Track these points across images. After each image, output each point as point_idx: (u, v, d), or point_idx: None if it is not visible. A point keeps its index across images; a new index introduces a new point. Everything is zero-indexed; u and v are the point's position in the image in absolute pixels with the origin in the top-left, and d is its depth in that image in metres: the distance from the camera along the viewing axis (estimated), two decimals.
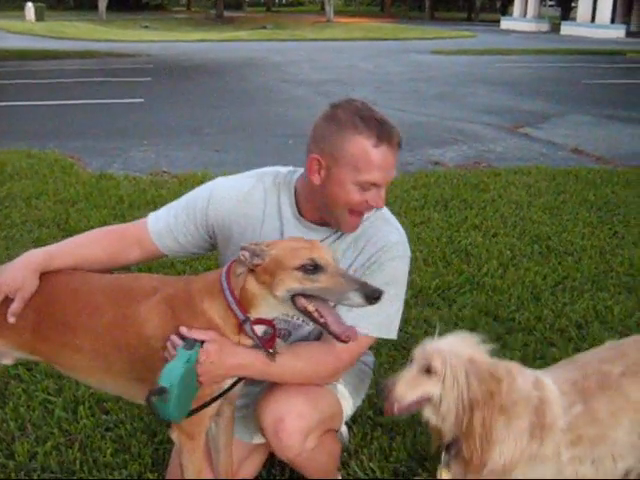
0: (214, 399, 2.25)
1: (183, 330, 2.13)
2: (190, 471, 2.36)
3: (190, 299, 2.20)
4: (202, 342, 2.11)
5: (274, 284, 2.06)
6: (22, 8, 48.51)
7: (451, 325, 4.12)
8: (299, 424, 2.30)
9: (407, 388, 2.26)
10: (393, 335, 2.51)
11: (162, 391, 2.00)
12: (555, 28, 41.80)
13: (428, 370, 2.26)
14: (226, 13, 57.20)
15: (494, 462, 2.31)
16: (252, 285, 2.10)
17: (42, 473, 2.87)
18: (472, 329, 4.00)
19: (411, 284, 4.63)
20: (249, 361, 2.19)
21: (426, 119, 11.93)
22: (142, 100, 13.77)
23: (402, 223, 5.90)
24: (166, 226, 2.52)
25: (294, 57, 23.67)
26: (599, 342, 3.85)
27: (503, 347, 3.90)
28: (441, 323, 4.13)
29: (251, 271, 2.09)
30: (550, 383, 2.44)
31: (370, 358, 2.85)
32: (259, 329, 2.18)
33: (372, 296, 1.98)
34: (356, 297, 1.98)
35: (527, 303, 4.47)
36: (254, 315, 2.14)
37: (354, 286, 1.99)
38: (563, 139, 10.37)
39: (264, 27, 39.65)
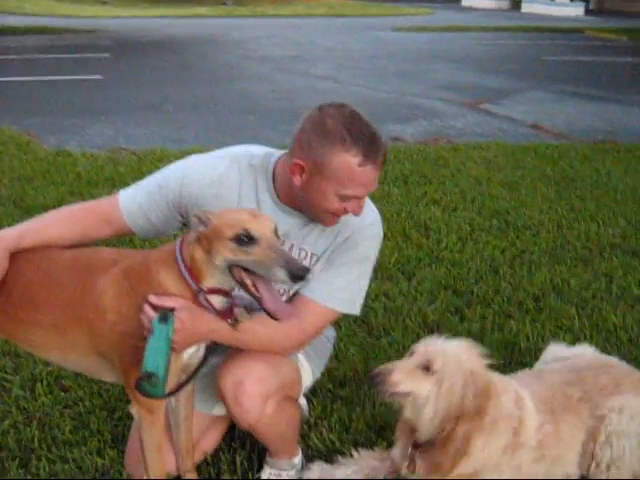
0: (193, 374, 2.27)
1: (152, 298, 2.12)
2: (149, 445, 2.36)
3: (147, 271, 2.19)
4: (172, 309, 2.10)
5: (212, 253, 2.06)
6: None
7: (410, 298, 4.16)
8: (259, 388, 2.32)
9: (403, 377, 2.29)
10: (357, 311, 2.54)
11: (150, 376, 2.01)
12: (515, 6, 41.76)
13: (427, 368, 2.29)
14: None
15: (463, 468, 2.39)
16: (198, 254, 2.10)
17: (0, 452, 2.84)
18: (431, 302, 4.08)
19: None
20: (219, 325, 2.20)
21: (387, 95, 11.92)
22: (100, 77, 13.54)
23: None
24: (138, 206, 2.48)
25: (255, 34, 23.43)
26: (556, 314, 3.95)
27: (462, 319, 3.94)
28: (400, 296, 4.17)
29: (198, 239, 2.09)
30: (528, 402, 2.53)
31: (331, 332, 2.86)
32: (217, 299, 2.18)
33: (297, 274, 1.97)
34: (281, 273, 1.97)
35: (485, 276, 4.51)
36: (206, 285, 2.13)
37: (280, 262, 1.98)
38: (522, 115, 10.44)
39: (224, 3, 39.10)
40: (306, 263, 2.43)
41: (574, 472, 2.62)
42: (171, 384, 2.26)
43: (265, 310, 2.08)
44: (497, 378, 2.44)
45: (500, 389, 2.41)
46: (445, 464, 2.35)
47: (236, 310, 2.23)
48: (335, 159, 2.18)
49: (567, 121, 10.10)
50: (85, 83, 12.83)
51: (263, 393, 2.34)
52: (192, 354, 2.29)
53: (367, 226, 2.47)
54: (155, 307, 2.10)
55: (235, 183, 2.43)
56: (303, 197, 2.32)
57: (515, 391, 2.50)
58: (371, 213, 2.50)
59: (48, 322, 2.32)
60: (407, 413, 2.40)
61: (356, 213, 2.32)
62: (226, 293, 2.18)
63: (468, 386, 2.28)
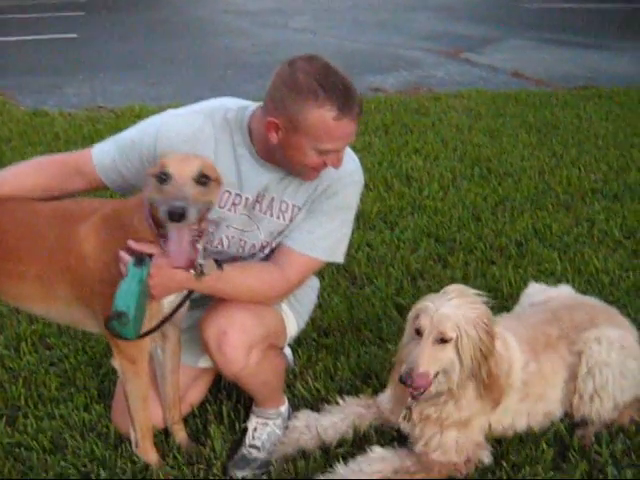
0: (165, 320, 2.25)
1: (131, 243, 2.11)
2: (134, 397, 2.37)
3: (123, 217, 2.19)
4: (151, 256, 2.10)
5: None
6: None
7: (393, 247, 4.16)
8: (242, 337, 2.32)
9: (428, 365, 2.28)
10: (340, 259, 2.53)
11: (120, 315, 2.00)
12: None
13: (442, 339, 2.28)
14: None
15: (455, 414, 2.43)
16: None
17: None
18: (414, 250, 4.09)
19: None
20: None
21: (366, 46, 11.80)
22: (75, 35, 13.31)
23: None
24: (111, 161, 2.43)
25: None
26: (538, 258, 3.97)
27: (445, 267, 3.96)
28: (383, 246, 4.17)
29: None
30: (514, 343, 2.57)
31: (315, 282, 2.86)
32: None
33: (172, 211, 1.91)
34: (162, 210, 1.94)
35: (468, 224, 4.52)
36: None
37: (168, 200, 1.94)
38: (503, 63, 10.38)
39: None
40: (288, 215, 2.43)
41: (556, 409, 2.67)
42: (151, 339, 2.29)
43: (164, 250, 2.06)
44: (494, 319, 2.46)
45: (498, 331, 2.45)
46: (498, 398, 2.41)
47: (200, 261, 2.15)
48: (310, 115, 2.14)
49: (548, 68, 10.04)
50: (60, 42, 12.60)
51: (247, 342, 2.34)
52: (173, 302, 2.28)
53: (347, 175, 2.44)
54: (133, 252, 2.09)
55: (210, 139, 2.38)
56: (281, 153, 2.29)
57: (501, 334, 2.52)
58: (351, 162, 2.47)
59: (32, 273, 2.32)
60: (438, 388, 2.41)
61: (336, 166, 2.30)
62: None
63: (482, 331, 2.30)
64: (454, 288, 2.40)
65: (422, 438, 2.46)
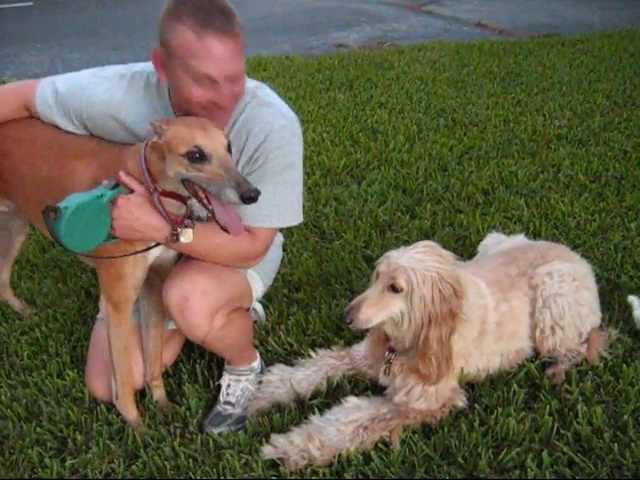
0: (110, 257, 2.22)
1: (121, 174, 2.12)
2: (116, 346, 2.39)
3: (120, 160, 2.18)
4: (131, 192, 2.11)
5: (166, 164, 2.04)
6: None
7: (360, 201, 4.16)
8: (204, 302, 2.28)
9: (372, 310, 2.28)
10: (298, 220, 2.47)
11: (56, 210, 1.99)
12: None
13: (393, 287, 2.28)
14: None
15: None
16: (154, 160, 2.08)
17: None
18: (381, 203, 4.09)
19: (319, 165, 4.64)
20: (164, 225, 2.16)
21: (328, 3, 11.68)
22: (31, 3, 13.01)
23: (307, 106, 5.91)
24: (47, 108, 2.42)
25: None
26: (505, 205, 4.00)
27: (412, 217, 3.97)
28: (351, 200, 4.17)
29: (153, 147, 2.07)
30: (485, 287, 2.59)
31: (279, 238, 2.85)
32: (172, 203, 2.15)
33: (248, 196, 1.92)
34: (232, 195, 1.93)
35: (434, 174, 4.53)
36: (162, 187, 2.11)
37: (231, 183, 1.94)
38: (466, 14, 10.35)
39: None
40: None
41: (527, 345, 2.73)
42: (136, 282, 2.29)
43: (218, 223, 2.05)
44: (461, 274, 2.43)
45: (466, 285, 2.42)
46: (431, 375, 2.38)
47: (186, 221, 2.17)
48: (173, 34, 2.05)
49: (511, 18, 10.04)
50: (15, 10, 12.33)
51: (210, 307, 2.30)
52: (160, 255, 2.28)
53: (276, 132, 2.32)
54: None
55: (135, 105, 2.34)
56: (174, 96, 2.22)
57: (473, 281, 2.54)
58: (279, 116, 2.35)
59: (34, 196, 2.39)
60: (388, 331, 2.43)
61: (222, 104, 2.13)
62: (181, 199, 2.15)
63: (435, 291, 2.28)
64: (425, 243, 2.39)
65: (403, 389, 2.48)
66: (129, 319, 2.36)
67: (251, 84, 2.33)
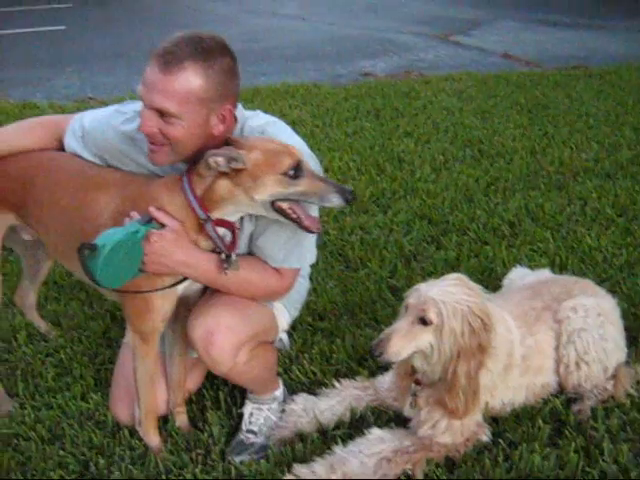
0: (139, 292, 2.23)
1: (152, 209, 2.12)
2: (142, 375, 2.39)
3: (149, 195, 2.19)
4: (163, 226, 2.12)
5: (255, 187, 2.06)
6: None
7: (386, 230, 4.16)
8: (229, 338, 2.28)
9: (402, 343, 2.26)
10: (314, 258, 2.51)
11: (93, 247, 1.99)
12: None
13: (423, 320, 2.27)
14: None
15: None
16: (223, 187, 2.09)
17: None
18: (407, 233, 4.09)
19: None
20: (197, 262, 2.19)
21: (356, 31, 11.76)
22: (64, 27, 13.24)
23: (334, 134, 5.92)
24: (73, 141, 2.49)
25: None
26: (531, 238, 3.98)
27: (438, 248, 3.96)
28: (376, 229, 4.18)
29: (223, 174, 2.07)
30: (511, 321, 2.58)
31: (307, 269, 2.84)
32: (219, 231, 2.18)
33: (349, 198, 2.04)
34: (336, 198, 2.04)
35: (460, 205, 4.52)
36: (215, 216, 2.14)
37: (332, 189, 2.04)
38: (493, 45, 10.37)
39: None
40: (245, 242, 2.38)
41: (552, 379, 2.70)
42: (165, 314, 2.29)
43: (304, 228, 2.14)
44: (490, 307, 2.42)
45: (495, 319, 2.41)
46: (458, 409, 2.35)
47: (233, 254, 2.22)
48: None
49: (538, 49, 10.04)
50: (49, 34, 12.54)
51: (234, 343, 2.30)
52: (187, 286, 2.29)
53: None
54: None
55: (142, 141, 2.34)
56: None
57: (501, 314, 2.53)
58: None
59: (49, 225, 2.42)
60: (416, 364, 2.42)
61: (145, 131, 2.11)
62: (230, 225, 2.19)
63: (465, 325, 2.27)
64: (455, 276, 2.39)
65: (428, 422, 2.45)
66: (156, 350, 2.37)
67: (261, 120, 2.32)
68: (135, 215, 2.13)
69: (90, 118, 2.50)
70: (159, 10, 15.41)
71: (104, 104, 7.23)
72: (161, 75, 2.03)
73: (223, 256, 2.20)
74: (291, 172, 2.05)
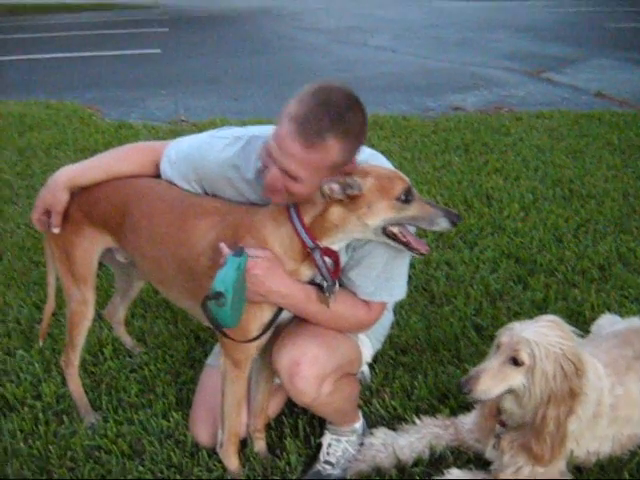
0: (265, 329, 2.27)
1: (243, 241, 2.17)
2: (230, 399, 2.41)
3: (252, 224, 2.22)
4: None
5: (369, 213, 2.09)
6: None
7: (472, 267, 4.11)
8: (314, 369, 2.28)
9: (492, 382, 2.24)
10: (404, 293, 2.47)
11: (218, 295, 1.99)
12: None
13: (515, 360, 2.24)
14: None
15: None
16: (337, 214, 2.12)
17: (69, 415, 2.91)
18: (493, 271, 4.03)
19: None
20: (290, 291, 2.20)
21: (447, 65, 11.74)
22: (159, 51, 13.66)
23: (422, 167, 5.91)
24: (168, 168, 2.55)
25: (312, 5, 23.34)
26: (622, 283, 3.86)
27: (525, 288, 3.89)
28: (462, 265, 4.13)
29: (336, 201, 2.09)
30: (601, 368, 2.50)
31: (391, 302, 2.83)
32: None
33: (456, 220, 2.10)
34: (444, 222, 2.09)
35: (549, 245, 4.42)
36: (323, 244, 2.16)
37: (441, 213, 2.09)
38: (586, 83, 10.17)
39: None
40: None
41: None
42: (261, 342, 2.31)
43: (414, 250, 2.17)
44: (583, 353, 2.37)
45: (588, 365, 2.35)
46: (544, 455, 2.30)
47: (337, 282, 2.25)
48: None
49: (632, 88, 9.79)
50: (145, 57, 12.97)
51: (319, 374, 2.30)
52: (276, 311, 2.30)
53: None
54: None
55: (246, 170, 2.39)
56: None
57: (592, 361, 2.47)
58: None
59: (148, 252, 2.47)
60: (503, 405, 2.38)
61: (266, 184, 2.14)
62: (333, 254, 2.21)
63: (557, 368, 2.22)
64: (549, 318, 2.35)
65: (511, 466, 2.40)
66: (247, 376, 2.39)
67: (363, 155, 2.30)
68: (225, 249, 2.14)
69: (187, 144, 2.54)
70: (250, 37, 15.76)
71: (195, 126, 7.45)
72: (301, 148, 2.02)
73: (325, 284, 2.21)
74: (402, 197, 2.07)
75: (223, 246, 2.15)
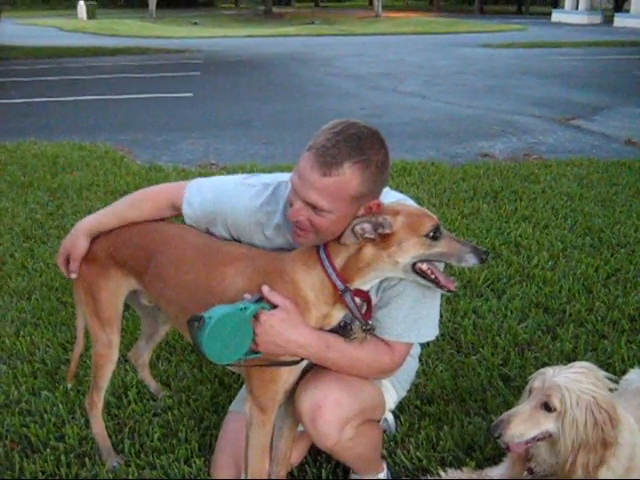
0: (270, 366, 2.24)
1: (264, 288, 2.15)
2: (254, 446, 2.37)
3: (281, 269, 2.22)
4: (275, 306, 2.14)
5: (399, 251, 2.09)
6: (74, 7, 49.45)
7: (500, 316, 4.06)
8: (337, 413, 2.26)
9: (523, 427, 2.22)
10: (434, 335, 2.44)
11: (199, 318, 2.02)
12: (608, 20, 40.82)
13: (547, 405, 2.22)
14: (274, 9, 57.27)
15: None
16: (369, 254, 2.12)
17: (91, 458, 2.90)
18: (522, 320, 3.98)
19: (459, 275, 4.58)
20: (307, 341, 2.18)
21: (475, 112, 11.79)
22: (191, 94, 13.88)
23: (450, 214, 5.89)
24: (192, 212, 2.55)
25: (342, 52, 23.63)
26: None
27: (554, 339, 3.83)
28: (490, 314, 4.08)
29: (368, 241, 2.10)
30: (635, 424, 2.45)
31: (416, 349, 2.81)
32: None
33: (484, 257, 2.10)
34: (472, 258, 2.09)
35: (578, 295, 4.37)
36: (354, 286, 2.16)
37: (468, 249, 2.09)
38: (616, 131, 10.15)
39: (312, 22, 39.67)
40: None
41: None
42: (287, 386, 2.30)
43: (442, 287, 2.16)
44: (618, 404, 2.33)
45: (621, 415, 2.31)
46: None
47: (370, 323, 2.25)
48: None
49: None
50: (177, 100, 13.18)
51: (341, 418, 2.28)
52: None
53: None
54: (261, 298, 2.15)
55: (275, 216, 2.42)
56: None
57: (625, 415, 2.42)
58: None
59: (172, 299, 2.47)
60: (535, 451, 2.34)
61: (292, 218, 2.16)
62: (364, 295, 2.20)
63: (589, 417, 2.19)
64: (583, 364, 2.32)
65: None
66: (273, 421, 2.36)
67: (392, 199, 2.32)
68: (247, 296, 2.15)
69: (210, 190, 2.54)
70: (281, 82, 15.96)
71: (225, 170, 7.52)
72: (319, 176, 2.05)
73: (358, 325, 2.21)
74: (432, 234, 2.08)
75: (247, 295, 2.16)
